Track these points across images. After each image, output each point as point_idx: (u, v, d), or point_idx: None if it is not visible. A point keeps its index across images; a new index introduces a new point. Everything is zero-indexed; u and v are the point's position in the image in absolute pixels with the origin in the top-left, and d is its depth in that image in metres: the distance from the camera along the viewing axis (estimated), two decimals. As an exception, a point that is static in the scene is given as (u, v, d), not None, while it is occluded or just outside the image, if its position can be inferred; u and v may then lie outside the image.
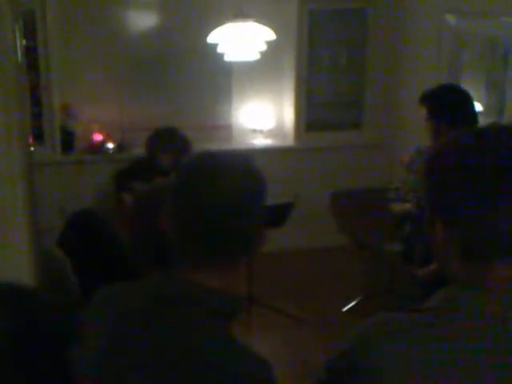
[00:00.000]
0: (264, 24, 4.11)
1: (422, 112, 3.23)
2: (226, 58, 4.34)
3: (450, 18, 4.88)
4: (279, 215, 4.47)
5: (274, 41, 4.21)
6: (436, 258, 1.24)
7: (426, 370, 1.06)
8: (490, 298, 1.09)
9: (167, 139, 4.60)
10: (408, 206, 4.05)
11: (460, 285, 1.14)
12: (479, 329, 1.07)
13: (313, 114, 5.81)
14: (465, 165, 1.10)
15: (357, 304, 4.77)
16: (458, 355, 1.06)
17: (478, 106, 4.60)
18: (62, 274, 2.28)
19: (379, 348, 1.11)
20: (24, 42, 4.76)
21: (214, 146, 5.36)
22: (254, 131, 5.72)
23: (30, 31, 4.92)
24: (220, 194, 1.24)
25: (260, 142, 5.71)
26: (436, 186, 1.16)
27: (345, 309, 4.74)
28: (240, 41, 4.06)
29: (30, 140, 3.04)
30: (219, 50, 4.22)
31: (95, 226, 2.61)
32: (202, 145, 4.94)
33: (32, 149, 3.67)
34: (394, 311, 1.17)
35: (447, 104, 3.15)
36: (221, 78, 5.62)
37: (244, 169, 1.31)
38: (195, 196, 1.26)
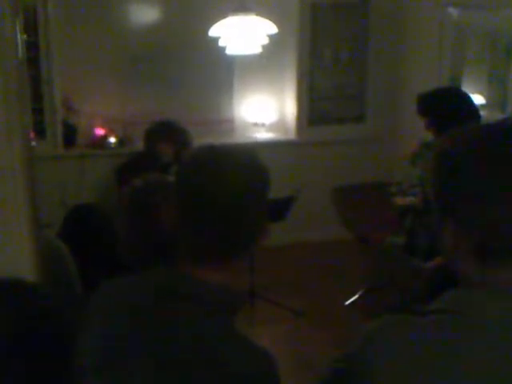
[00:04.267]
0: (265, 17, 4.09)
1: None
2: (228, 52, 4.33)
3: (452, 11, 4.86)
4: (281, 209, 4.47)
5: (276, 34, 4.20)
6: (445, 258, 1.20)
7: (434, 375, 1.04)
8: (502, 300, 1.07)
9: (165, 131, 4.61)
10: (410, 199, 4.04)
11: (470, 286, 1.11)
12: (491, 332, 1.04)
13: (315, 108, 5.80)
14: (476, 165, 1.07)
15: (359, 298, 4.77)
16: (469, 358, 1.03)
17: (481, 99, 4.59)
18: (64, 265, 2.28)
19: (384, 351, 1.09)
20: (25, 36, 4.75)
21: (216, 139, 5.31)
22: (256, 125, 5.71)
23: (31, 26, 4.91)
24: (223, 190, 1.24)
25: (262, 135, 5.71)
26: (447, 185, 1.12)
27: (347, 302, 4.74)
28: (242, 34, 4.05)
29: (31, 135, 3.02)
30: (221, 43, 4.21)
31: (95, 220, 2.61)
32: (204, 139, 4.93)
33: (33, 143, 3.66)
34: (399, 312, 1.15)
35: (445, 112, 3.12)
36: (223, 72, 5.60)
37: (247, 163, 1.30)
38: (198, 192, 1.25)
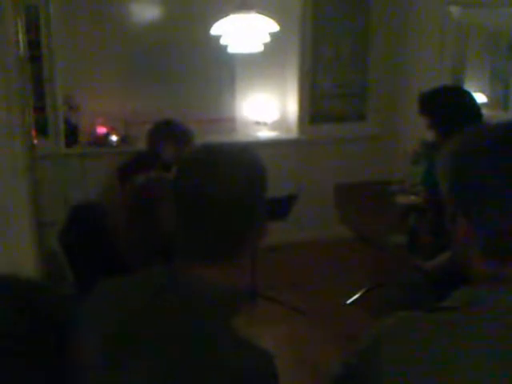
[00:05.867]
0: (267, 15, 4.09)
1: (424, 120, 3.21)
2: (230, 50, 4.32)
3: (454, 9, 4.86)
4: (283, 208, 4.47)
5: (278, 32, 4.19)
6: (457, 256, 1.20)
7: (448, 371, 1.04)
8: None
9: (167, 130, 4.61)
10: (412, 198, 4.04)
11: (483, 283, 1.11)
12: (506, 328, 1.04)
13: (316, 106, 5.79)
14: (487, 165, 1.08)
15: (360, 296, 4.76)
16: (483, 356, 1.03)
17: (483, 98, 4.58)
18: (58, 267, 2.28)
19: (397, 349, 1.09)
20: (25, 35, 4.75)
21: (218, 138, 5.36)
22: (258, 123, 5.71)
23: (33, 25, 4.91)
24: (221, 189, 1.24)
25: (264, 134, 5.70)
26: (459, 185, 1.12)
27: (348, 301, 4.74)
28: (243, 32, 4.04)
29: (33, 133, 3.02)
30: (222, 41, 4.21)
31: (97, 220, 2.61)
32: (206, 137, 4.94)
33: (35, 142, 3.67)
34: (412, 311, 1.14)
35: (446, 112, 3.10)
36: (224, 70, 5.60)
37: (245, 161, 1.31)
38: (196, 191, 1.25)
